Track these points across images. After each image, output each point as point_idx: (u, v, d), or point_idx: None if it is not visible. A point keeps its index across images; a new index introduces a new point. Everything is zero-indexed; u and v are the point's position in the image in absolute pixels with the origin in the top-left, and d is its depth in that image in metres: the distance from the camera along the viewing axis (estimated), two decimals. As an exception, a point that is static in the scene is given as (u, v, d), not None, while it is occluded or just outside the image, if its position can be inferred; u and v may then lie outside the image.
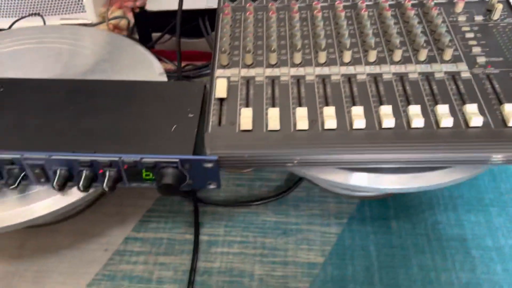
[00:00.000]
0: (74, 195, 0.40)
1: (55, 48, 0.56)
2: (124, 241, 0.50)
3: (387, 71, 0.44)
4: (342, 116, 0.40)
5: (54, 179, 0.38)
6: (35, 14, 0.80)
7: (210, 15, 0.71)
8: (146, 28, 0.76)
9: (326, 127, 0.38)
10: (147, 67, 0.53)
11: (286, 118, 0.40)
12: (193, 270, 0.47)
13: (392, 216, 0.51)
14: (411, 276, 0.46)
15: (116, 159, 0.38)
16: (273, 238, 0.50)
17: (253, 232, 0.50)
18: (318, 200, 0.54)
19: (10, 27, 0.73)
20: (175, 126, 0.40)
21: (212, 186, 0.40)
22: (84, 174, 0.38)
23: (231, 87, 0.43)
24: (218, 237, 0.50)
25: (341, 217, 0.52)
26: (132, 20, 0.77)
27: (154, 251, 0.49)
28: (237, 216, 0.52)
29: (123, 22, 0.81)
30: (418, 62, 0.44)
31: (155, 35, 0.77)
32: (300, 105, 0.41)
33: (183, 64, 0.70)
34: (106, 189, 0.38)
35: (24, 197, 0.40)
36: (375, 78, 0.43)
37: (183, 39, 0.76)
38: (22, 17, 0.77)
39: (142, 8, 0.73)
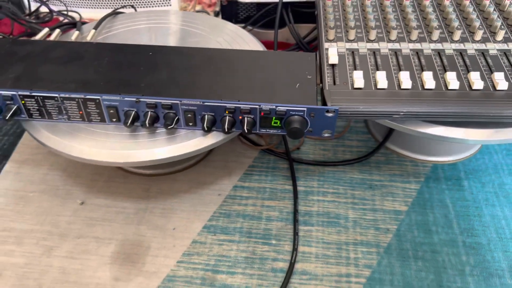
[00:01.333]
0: (214, 137, 0.49)
1: (173, 28, 0.66)
2: (233, 188, 0.59)
3: (471, 47, 0.52)
4: (438, 79, 0.48)
5: (203, 122, 0.47)
6: (129, 5, 0.91)
7: (290, 6, 0.81)
8: (230, 20, 0.86)
9: (426, 87, 0.47)
10: (254, 46, 0.62)
11: (391, 79, 0.48)
12: (296, 211, 0.55)
13: (463, 177, 0.59)
14: (485, 223, 0.53)
15: (256, 106, 0.47)
16: (361, 191, 0.58)
17: (343, 186, 0.59)
18: (397, 163, 0.62)
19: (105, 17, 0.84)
20: (298, 84, 0.49)
21: (327, 134, 0.49)
22: (227, 119, 0.47)
23: (340, 56, 0.52)
24: (313, 188, 0.59)
25: (419, 177, 0.60)
26: (211, 13, 0.87)
27: (260, 196, 0.58)
28: (327, 173, 0.61)
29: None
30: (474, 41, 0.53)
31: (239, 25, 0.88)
32: (400, 70, 0.49)
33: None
34: (246, 131, 0.47)
35: (173, 138, 0.49)
36: (461, 53, 0.52)
37: (260, 30, 0.87)
38: (117, 8, 0.88)
39: (229, 0, 0.83)
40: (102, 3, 0.88)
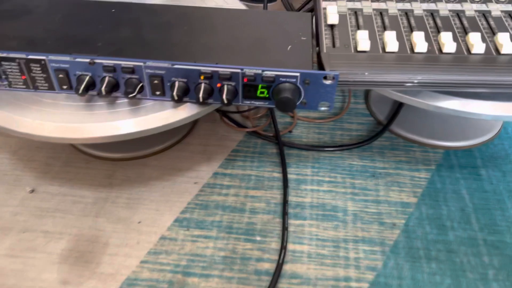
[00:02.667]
0: (187, 110, 0.40)
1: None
2: (213, 175, 0.50)
3: (495, 8, 0.44)
4: (458, 42, 0.40)
5: (173, 90, 0.39)
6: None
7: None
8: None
9: (444, 50, 0.39)
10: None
11: (402, 41, 0.40)
12: (286, 202, 0.46)
13: (481, 165, 0.51)
14: (509, 218, 0.45)
15: (238, 70, 0.38)
16: (362, 180, 0.50)
17: (341, 174, 0.50)
18: (403, 149, 0.53)
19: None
20: (290, 46, 0.41)
21: (323, 108, 0.40)
22: (203, 86, 0.39)
23: (341, 16, 0.43)
24: (306, 176, 0.50)
25: (429, 164, 0.51)
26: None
27: (244, 185, 0.49)
28: (322, 160, 0.52)
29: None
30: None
31: None
32: (412, 31, 0.41)
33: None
34: (225, 101, 0.38)
35: (137, 109, 0.40)
36: (484, 14, 0.44)
37: (249, 3, 0.78)
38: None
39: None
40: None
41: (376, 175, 0.50)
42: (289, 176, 0.50)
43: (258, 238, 0.44)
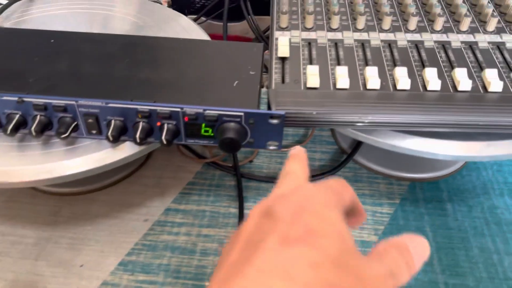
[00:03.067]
0: (127, 149, 0.38)
1: (98, 14, 0.55)
2: (165, 212, 0.47)
3: (455, 39, 0.42)
4: (414, 77, 0.38)
5: (109, 130, 0.36)
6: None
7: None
8: (182, 10, 0.75)
9: (399, 87, 0.37)
10: (196, 36, 0.51)
11: (355, 77, 0.38)
12: (240, 243, 0.44)
13: (446, 199, 0.49)
14: (472, 258, 0.43)
15: (177, 109, 0.35)
16: (322, 215, 0.47)
17: (300, 209, 0.48)
18: (367, 180, 0.51)
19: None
20: (237, 82, 0.38)
21: (272, 147, 0.38)
22: (141, 126, 0.36)
23: (293, 48, 0.41)
24: (263, 212, 0.48)
25: (393, 198, 0.49)
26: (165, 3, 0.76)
27: (197, 223, 0.46)
28: (282, 193, 0.50)
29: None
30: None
31: (190, 17, 0.77)
32: (367, 65, 0.39)
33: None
34: (165, 142, 0.36)
35: (73, 150, 0.38)
36: (443, 46, 0.41)
37: (215, 22, 0.76)
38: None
39: (180, -12, 0.72)
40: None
41: (337, 210, 0.48)
42: (246, 211, 0.47)
43: (207, 284, 0.41)
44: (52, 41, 0.42)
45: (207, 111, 0.35)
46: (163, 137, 0.36)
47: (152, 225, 0.46)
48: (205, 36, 0.51)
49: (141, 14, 0.54)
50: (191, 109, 0.36)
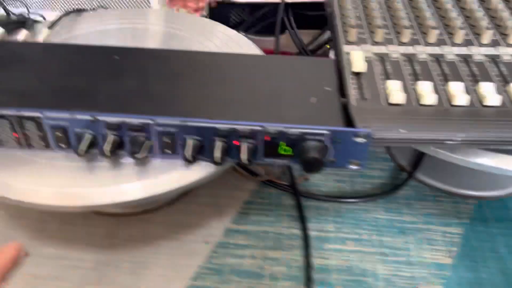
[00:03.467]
0: (202, 170, 0.36)
1: (150, 30, 0.54)
2: (225, 233, 0.45)
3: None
4: (501, 93, 0.36)
5: (186, 149, 0.34)
6: (103, 7, 0.78)
7: (291, 8, 0.69)
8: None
9: (486, 103, 0.35)
10: (248, 50, 0.50)
11: (437, 92, 0.36)
12: (309, 266, 0.42)
13: (517, 218, 0.47)
14: (557, 282, 0.41)
15: (258, 128, 0.34)
16: (390, 237, 0.45)
17: (366, 230, 0.46)
18: (431, 199, 0.49)
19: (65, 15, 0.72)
20: (314, 98, 0.37)
21: (353, 166, 0.36)
22: (220, 145, 0.34)
23: (367, 63, 0.40)
24: (328, 233, 0.46)
25: (461, 217, 0.47)
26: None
27: (261, 245, 0.44)
28: (344, 212, 0.48)
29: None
30: None
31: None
32: (447, 81, 0.37)
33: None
34: (245, 161, 0.34)
35: (144, 170, 0.36)
36: (521, 59, 0.40)
37: (254, 37, 0.75)
38: (92, 9, 0.75)
39: (220, 2, 0.71)
40: (71, 3, 0.75)
41: (405, 231, 0.45)
42: (310, 232, 0.46)
43: (279, 310, 0.39)
44: (117, 57, 0.41)
45: (291, 129, 0.34)
46: (243, 157, 0.34)
47: (214, 247, 0.44)
48: (258, 51, 0.50)
49: (189, 29, 0.54)
50: (272, 127, 0.34)
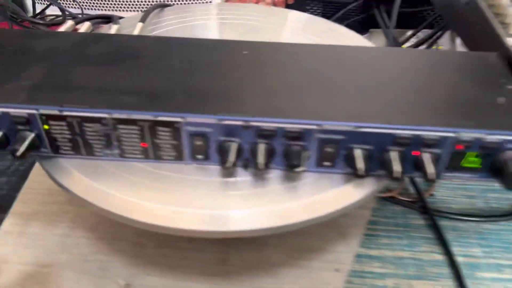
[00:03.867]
0: (367, 186, 0.30)
1: (243, 24, 0.48)
2: (357, 259, 0.39)
3: None
4: None
5: (355, 162, 0.28)
6: (167, 5, 0.73)
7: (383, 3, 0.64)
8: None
9: None
10: (356, 42, 0.44)
11: None
12: (469, 300, 0.35)
13: None
14: None
15: (450, 134, 0.28)
16: (551, 263, 0.39)
17: (520, 254, 0.39)
18: None
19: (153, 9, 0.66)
20: (502, 98, 0.31)
21: (551, 181, 0.30)
22: (397, 156, 0.28)
23: (545, 57, 0.34)
24: (475, 258, 0.39)
25: None
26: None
27: (402, 273, 0.38)
28: (487, 233, 0.41)
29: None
30: None
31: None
32: None
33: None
34: (428, 177, 0.28)
35: (293, 188, 0.30)
36: None
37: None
38: (157, 6, 0.70)
39: None
40: (126, 4, 0.70)
41: None
42: (458, 259, 0.39)
43: None
44: (245, 52, 0.35)
45: (489, 136, 0.28)
46: (429, 171, 0.28)
47: (347, 275, 0.38)
48: (369, 44, 0.44)
49: (285, 22, 0.48)
50: (467, 134, 0.28)
